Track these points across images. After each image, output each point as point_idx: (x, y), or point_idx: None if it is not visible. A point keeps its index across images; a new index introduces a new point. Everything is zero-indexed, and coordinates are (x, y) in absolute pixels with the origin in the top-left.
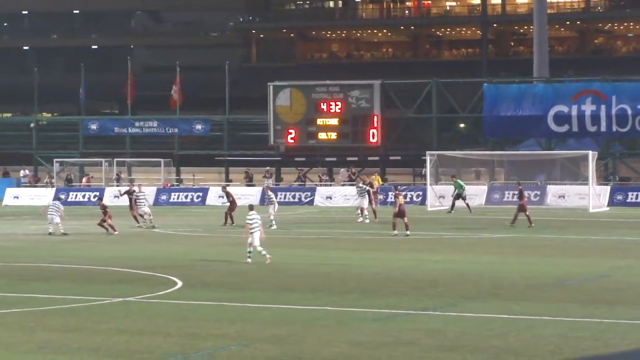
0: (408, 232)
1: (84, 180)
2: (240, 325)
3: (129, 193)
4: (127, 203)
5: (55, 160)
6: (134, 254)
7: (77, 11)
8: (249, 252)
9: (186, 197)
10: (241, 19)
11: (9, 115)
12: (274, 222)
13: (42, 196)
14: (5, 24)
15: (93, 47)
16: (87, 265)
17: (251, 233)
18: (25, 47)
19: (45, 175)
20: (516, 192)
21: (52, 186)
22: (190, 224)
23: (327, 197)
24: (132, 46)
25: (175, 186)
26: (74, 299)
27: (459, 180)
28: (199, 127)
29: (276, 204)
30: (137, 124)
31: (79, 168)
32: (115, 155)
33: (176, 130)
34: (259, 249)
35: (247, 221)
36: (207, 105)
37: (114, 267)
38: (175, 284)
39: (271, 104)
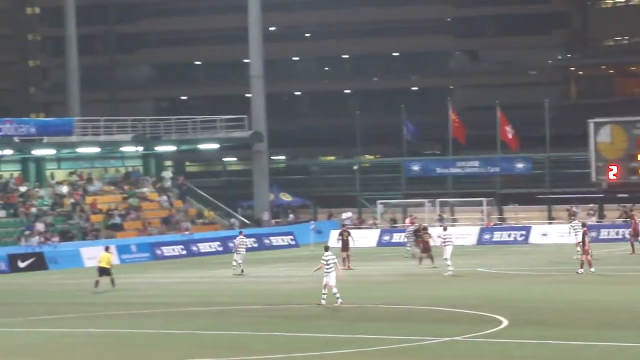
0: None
1: (407, 221)
2: None
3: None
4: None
5: (378, 201)
6: (456, 293)
7: (397, 53)
8: (324, 293)
9: (509, 235)
10: (559, 57)
11: (332, 158)
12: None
13: (366, 237)
14: (326, 68)
15: (412, 88)
16: (411, 305)
17: (327, 273)
18: (346, 90)
19: (369, 216)
20: None
21: (376, 227)
22: (513, 263)
23: None
24: (451, 87)
25: (497, 225)
26: (400, 339)
27: None
28: (520, 165)
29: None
30: (458, 164)
31: (402, 209)
32: (437, 195)
33: (497, 169)
34: (334, 290)
35: (322, 261)
36: (527, 143)
37: (437, 306)
38: (501, 322)
39: (592, 140)
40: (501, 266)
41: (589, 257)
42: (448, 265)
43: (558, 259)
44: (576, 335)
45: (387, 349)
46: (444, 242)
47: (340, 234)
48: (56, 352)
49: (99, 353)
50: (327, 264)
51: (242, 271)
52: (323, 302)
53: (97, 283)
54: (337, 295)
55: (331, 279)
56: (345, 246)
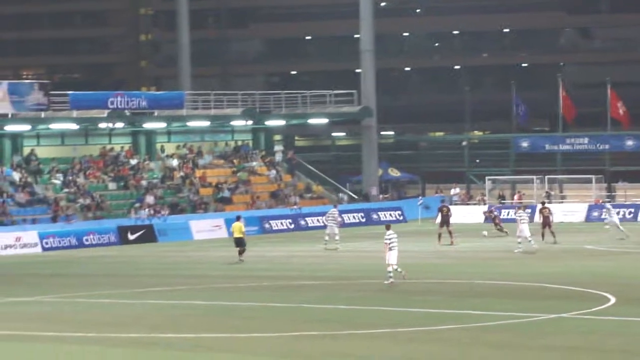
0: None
1: (515, 197)
2: None
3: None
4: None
5: (487, 177)
6: (563, 270)
7: (507, 30)
8: (389, 271)
9: (618, 213)
10: None
11: (441, 134)
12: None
13: (474, 214)
14: (436, 44)
15: (522, 64)
16: (518, 281)
17: (389, 251)
18: (456, 67)
19: (477, 193)
20: None
21: (484, 204)
22: (621, 241)
23: None
24: (562, 63)
25: (606, 202)
26: (507, 315)
27: None
28: (630, 143)
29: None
30: (567, 140)
31: (511, 185)
32: (545, 172)
33: (607, 146)
34: (395, 266)
35: (386, 240)
36: (638, 121)
37: (544, 283)
38: (608, 300)
39: None
40: (609, 244)
41: None
42: (527, 241)
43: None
44: None
45: (493, 325)
46: (521, 219)
47: (440, 210)
48: (163, 323)
49: (204, 325)
50: (390, 242)
51: (327, 246)
52: (392, 280)
53: (240, 254)
54: (399, 269)
55: (392, 258)
56: (444, 222)
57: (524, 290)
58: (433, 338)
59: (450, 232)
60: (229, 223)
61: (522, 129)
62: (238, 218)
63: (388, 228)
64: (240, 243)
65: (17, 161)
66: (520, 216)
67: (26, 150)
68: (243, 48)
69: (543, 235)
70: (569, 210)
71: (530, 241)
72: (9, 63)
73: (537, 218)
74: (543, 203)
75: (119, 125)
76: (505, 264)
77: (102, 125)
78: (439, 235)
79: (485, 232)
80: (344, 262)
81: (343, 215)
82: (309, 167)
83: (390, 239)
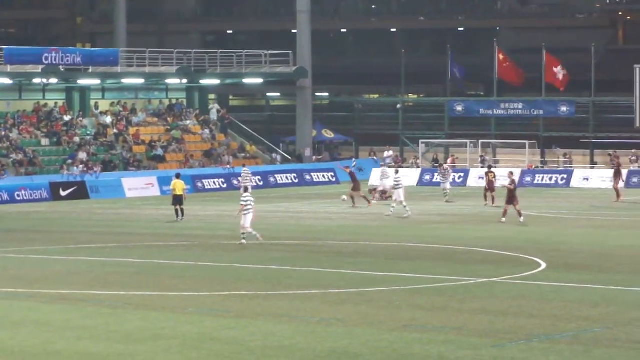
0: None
1: (449, 161)
2: (604, 308)
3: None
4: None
5: (420, 141)
6: (496, 234)
7: None
8: (243, 233)
9: (550, 179)
10: (608, 1)
11: (375, 96)
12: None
13: (407, 177)
14: (373, 7)
15: (459, 29)
16: (450, 245)
17: (244, 214)
18: (392, 29)
19: (411, 156)
20: None
21: (418, 167)
22: (554, 206)
23: None
24: (497, 28)
25: (539, 168)
26: (438, 278)
27: None
28: (564, 109)
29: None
30: (502, 105)
31: (444, 149)
32: (479, 136)
33: (541, 112)
34: (249, 230)
35: (241, 202)
36: (572, 87)
37: (476, 247)
38: (539, 265)
39: (637, 86)
40: (542, 209)
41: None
42: (401, 206)
43: (599, 204)
44: (615, 280)
45: (424, 287)
46: (396, 185)
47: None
48: (94, 280)
49: (135, 282)
50: (246, 205)
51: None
52: (244, 241)
53: (177, 212)
54: (254, 232)
55: (247, 221)
56: (357, 186)
57: (455, 254)
58: (364, 300)
59: (364, 196)
60: (161, 181)
61: (456, 93)
62: (178, 176)
63: (246, 190)
64: (180, 201)
65: None
66: (396, 181)
67: None
68: (179, 6)
69: (486, 198)
70: (502, 175)
71: (405, 206)
72: None
73: (475, 181)
74: (489, 167)
75: (53, 81)
76: (438, 228)
77: (37, 80)
78: (365, 198)
79: (344, 197)
80: (275, 223)
81: (276, 175)
82: (243, 126)
83: (246, 202)
